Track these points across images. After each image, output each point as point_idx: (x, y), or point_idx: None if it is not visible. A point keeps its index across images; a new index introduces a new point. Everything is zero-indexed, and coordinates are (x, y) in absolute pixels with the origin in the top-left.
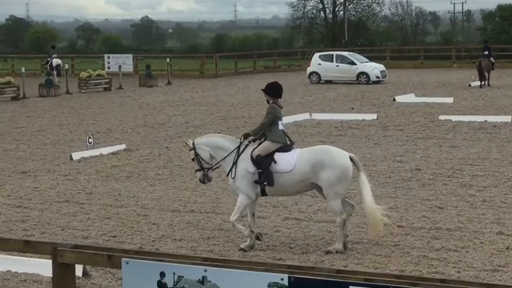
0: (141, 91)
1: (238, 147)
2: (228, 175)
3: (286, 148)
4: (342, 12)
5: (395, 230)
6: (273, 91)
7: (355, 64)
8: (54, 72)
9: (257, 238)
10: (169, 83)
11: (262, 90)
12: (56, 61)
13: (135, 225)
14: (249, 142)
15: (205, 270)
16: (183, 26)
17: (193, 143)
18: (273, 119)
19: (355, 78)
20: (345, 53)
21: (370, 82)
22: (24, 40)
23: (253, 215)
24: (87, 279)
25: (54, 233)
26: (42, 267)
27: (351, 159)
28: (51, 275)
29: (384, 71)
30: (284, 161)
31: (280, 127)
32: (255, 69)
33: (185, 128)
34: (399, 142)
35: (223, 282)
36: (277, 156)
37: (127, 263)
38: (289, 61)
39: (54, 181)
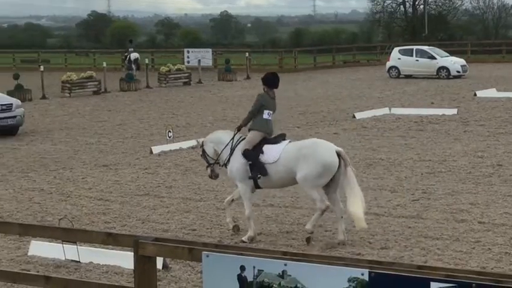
0: (220, 85)
1: (232, 138)
2: (224, 166)
3: (276, 140)
4: (422, 6)
5: (476, 226)
6: (268, 81)
7: (435, 58)
8: (134, 66)
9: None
10: (248, 77)
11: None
12: (134, 55)
13: (214, 219)
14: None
15: (285, 265)
16: (262, 21)
17: (202, 141)
18: (258, 108)
19: (435, 73)
20: (425, 47)
21: (450, 77)
22: (105, 35)
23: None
24: (167, 272)
25: (134, 225)
26: (123, 259)
27: (339, 154)
28: (131, 267)
29: (465, 66)
30: (270, 152)
31: (265, 116)
32: (334, 64)
33: None
34: (480, 137)
35: (303, 277)
36: (266, 147)
37: (207, 256)
38: (368, 55)
39: (135, 174)
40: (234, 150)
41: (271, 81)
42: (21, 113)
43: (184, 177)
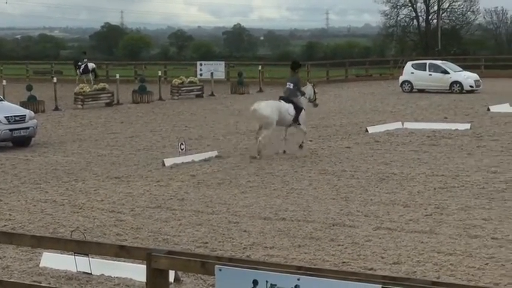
0: (232, 98)
1: None
2: None
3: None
4: (435, 21)
5: (490, 242)
6: (291, 66)
7: (448, 73)
8: (91, 75)
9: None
10: (260, 90)
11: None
12: (91, 65)
13: (226, 232)
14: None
15: (298, 279)
16: (275, 34)
17: None
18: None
19: (448, 88)
20: (438, 62)
21: (463, 91)
22: (118, 47)
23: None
24: (179, 285)
25: (146, 238)
26: (135, 272)
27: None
28: (143, 280)
29: (478, 80)
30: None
31: (287, 86)
32: (346, 78)
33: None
34: (493, 152)
35: None
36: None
37: (220, 270)
38: (381, 69)
39: (147, 187)
40: None
41: (291, 66)
42: (34, 125)
43: (196, 190)
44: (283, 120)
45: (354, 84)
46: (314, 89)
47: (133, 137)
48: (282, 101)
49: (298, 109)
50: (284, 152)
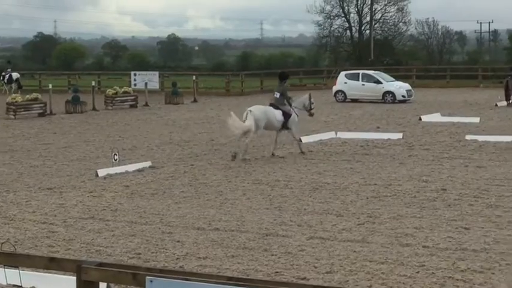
0: (167, 108)
1: None
2: None
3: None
4: (368, 31)
5: (421, 251)
6: (279, 77)
7: (381, 83)
8: (14, 85)
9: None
10: (195, 100)
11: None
12: (15, 75)
13: (160, 243)
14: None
15: None
16: (210, 44)
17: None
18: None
19: (381, 97)
20: (371, 72)
21: (396, 101)
22: (51, 57)
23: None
24: None
25: (78, 249)
26: (67, 284)
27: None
28: None
29: (410, 90)
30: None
31: (275, 95)
32: None
33: (210, 145)
34: (425, 162)
35: None
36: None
37: (151, 281)
38: (315, 79)
39: (80, 198)
40: None
41: (279, 76)
42: None
43: (130, 201)
44: (270, 124)
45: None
46: (310, 99)
47: (67, 147)
48: (271, 107)
49: (286, 115)
50: (273, 154)
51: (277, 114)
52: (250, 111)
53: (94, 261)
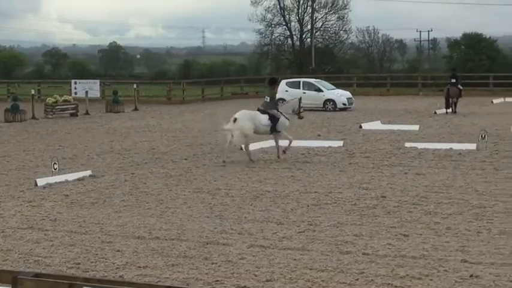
0: (107, 117)
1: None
2: None
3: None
4: (309, 40)
5: (360, 258)
6: (269, 82)
7: (322, 91)
8: None
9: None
10: (136, 109)
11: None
12: None
13: (99, 252)
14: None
15: None
16: (151, 52)
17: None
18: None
19: (321, 105)
20: (312, 80)
21: (336, 109)
22: None
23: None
24: None
25: (16, 260)
26: None
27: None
28: None
29: (351, 98)
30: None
31: (265, 100)
32: (222, 96)
33: (151, 154)
34: (365, 169)
35: None
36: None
37: None
38: (256, 87)
39: (18, 207)
40: None
41: (268, 81)
42: None
43: (70, 210)
44: (256, 128)
45: (229, 103)
46: (300, 103)
47: (5, 156)
48: (258, 112)
49: (274, 119)
50: (278, 157)
51: (263, 119)
52: (236, 118)
53: (30, 272)
